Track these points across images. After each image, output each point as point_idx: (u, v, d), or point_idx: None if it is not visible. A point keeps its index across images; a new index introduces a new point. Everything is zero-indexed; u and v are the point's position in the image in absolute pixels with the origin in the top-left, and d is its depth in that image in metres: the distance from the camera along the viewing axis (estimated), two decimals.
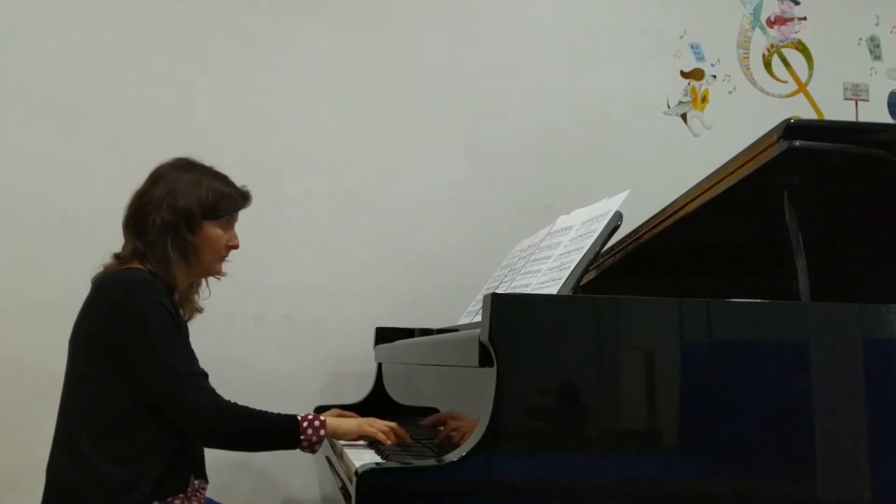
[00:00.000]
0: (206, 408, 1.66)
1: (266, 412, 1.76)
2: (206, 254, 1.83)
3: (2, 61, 2.67)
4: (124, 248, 1.81)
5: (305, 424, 1.71)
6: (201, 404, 1.67)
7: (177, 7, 2.81)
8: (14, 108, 2.67)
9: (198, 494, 1.80)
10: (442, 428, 1.85)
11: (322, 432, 1.72)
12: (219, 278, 1.93)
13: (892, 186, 1.65)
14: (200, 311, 1.96)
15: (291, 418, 1.72)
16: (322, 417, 1.75)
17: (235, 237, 1.89)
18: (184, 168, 1.85)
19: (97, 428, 1.68)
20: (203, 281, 1.95)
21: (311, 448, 1.72)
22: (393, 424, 1.81)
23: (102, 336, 1.70)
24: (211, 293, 1.98)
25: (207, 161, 1.91)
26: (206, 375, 1.75)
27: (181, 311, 1.88)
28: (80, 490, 1.65)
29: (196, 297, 1.94)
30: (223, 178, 1.88)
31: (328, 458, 2.15)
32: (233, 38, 2.84)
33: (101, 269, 1.82)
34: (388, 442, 1.76)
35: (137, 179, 1.86)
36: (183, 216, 1.78)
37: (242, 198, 1.90)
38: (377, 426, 1.79)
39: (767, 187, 1.59)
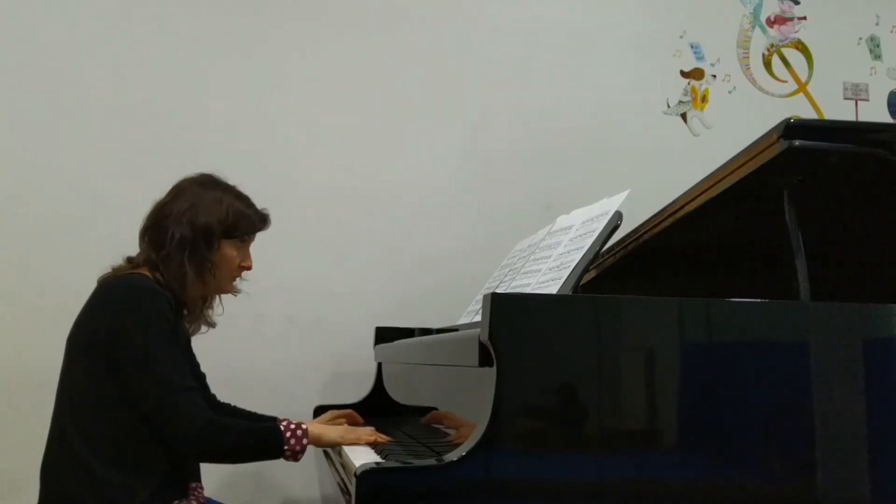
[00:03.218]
0: (194, 425, 1.64)
1: (250, 424, 1.77)
2: (221, 272, 1.84)
3: (2, 61, 2.67)
4: (139, 255, 1.82)
5: (288, 434, 1.71)
6: (190, 420, 1.65)
7: (181, 7, 2.80)
8: (14, 108, 2.66)
9: (196, 493, 1.80)
10: (441, 427, 1.85)
11: (305, 441, 1.72)
12: (234, 295, 1.94)
13: (892, 186, 1.65)
14: (213, 325, 1.96)
15: (275, 429, 1.72)
16: (304, 426, 1.74)
17: (249, 258, 1.90)
18: (207, 185, 1.86)
19: (90, 429, 1.67)
20: (217, 297, 1.95)
21: (295, 457, 1.72)
22: (372, 429, 1.82)
23: (101, 339, 1.69)
24: (224, 310, 1.98)
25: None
26: (197, 389, 1.73)
27: (187, 324, 1.88)
28: (75, 492, 1.64)
29: (210, 311, 1.94)
30: (244, 199, 1.88)
31: (328, 458, 2.15)
32: (234, 40, 2.83)
33: (109, 269, 1.81)
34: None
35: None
36: (202, 233, 1.79)
37: (261, 220, 1.90)
38: (359, 433, 1.79)
39: (767, 187, 1.59)
